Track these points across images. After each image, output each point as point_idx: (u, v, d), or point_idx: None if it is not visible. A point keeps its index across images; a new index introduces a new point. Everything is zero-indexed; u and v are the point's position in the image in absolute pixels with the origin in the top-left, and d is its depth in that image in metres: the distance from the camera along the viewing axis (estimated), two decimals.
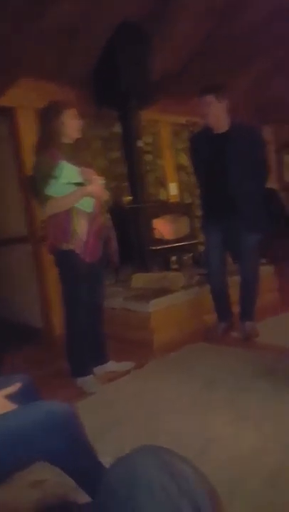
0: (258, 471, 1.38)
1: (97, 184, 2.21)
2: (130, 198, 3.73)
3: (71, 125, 2.21)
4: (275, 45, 3.81)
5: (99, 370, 2.40)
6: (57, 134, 2.18)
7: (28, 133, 3.03)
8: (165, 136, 4.48)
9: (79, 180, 2.16)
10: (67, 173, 2.12)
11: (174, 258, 3.62)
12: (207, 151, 2.65)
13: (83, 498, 1.15)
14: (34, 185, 2.20)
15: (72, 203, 2.15)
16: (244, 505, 1.24)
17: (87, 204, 2.20)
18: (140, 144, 3.70)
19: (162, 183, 4.43)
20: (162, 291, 2.97)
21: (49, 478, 1.33)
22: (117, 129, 3.84)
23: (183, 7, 3.20)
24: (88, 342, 2.31)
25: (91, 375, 2.28)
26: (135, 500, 0.59)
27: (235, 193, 2.56)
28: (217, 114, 2.54)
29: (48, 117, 2.19)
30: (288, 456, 1.44)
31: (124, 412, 1.94)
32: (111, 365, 2.43)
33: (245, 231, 2.65)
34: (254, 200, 2.65)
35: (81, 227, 2.19)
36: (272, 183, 5.78)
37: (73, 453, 1.07)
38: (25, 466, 1.16)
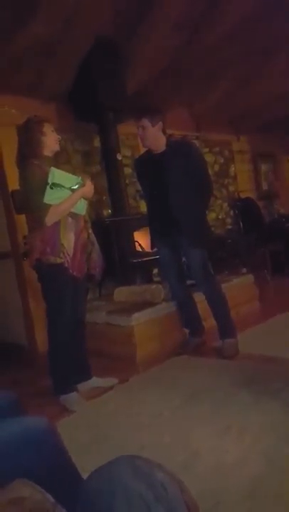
0: (239, 483, 1.41)
1: (89, 185, 2.26)
2: (110, 211, 3.76)
3: (52, 137, 2.25)
4: (245, 57, 3.92)
5: (83, 386, 2.40)
6: (39, 145, 2.21)
7: (9, 149, 3.03)
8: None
9: (71, 185, 2.18)
10: (60, 177, 2.14)
11: (155, 270, 3.65)
12: (149, 173, 2.74)
13: None
14: (27, 197, 2.20)
15: (72, 207, 2.19)
16: None
17: (80, 207, 2.24)
18: (119, 157, 3.74)
19: (142, 196, 4.48)
20: (144, 305, 2.99)
21: (28, 495, 1.33)
22: (97, 143, 3.89)
23: (153, 24, 3.28)
24: (72, 358, 2.31)
25: (74, 393, 2.28)
26: (113, 510, 0.60)
27: (177, 210, 2.61)
28: (152, 137, 2.62)
29: (30, 129, 2.22)
30: (268, 467, 1.48)
31: (107, 428, 1.95)
32: (95, 381, 2.44)
33: (188, 247, 2.70)
34: (195, 216, 2.71)
35: (68, 241, 2.20)
36: (250, 193, 5.93)
37: (51, 468, 1.07)
38: (2, 483, 1.16)
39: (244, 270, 4.19)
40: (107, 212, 3.86)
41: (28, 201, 2.22)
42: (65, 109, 3.63)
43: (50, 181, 2.11)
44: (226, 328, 2.74)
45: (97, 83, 3.41)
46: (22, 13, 2.72)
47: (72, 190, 2.19)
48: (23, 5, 2.68)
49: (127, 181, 3.91)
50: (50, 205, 2.13)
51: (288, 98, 4.86)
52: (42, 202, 2.12)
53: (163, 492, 0.64)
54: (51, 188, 2.11)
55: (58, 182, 2.13)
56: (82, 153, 3.93)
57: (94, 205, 3.83)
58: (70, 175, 2.23)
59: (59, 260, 2.18)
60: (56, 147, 2.29)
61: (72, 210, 2.21)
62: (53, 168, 2.13)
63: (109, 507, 0.61)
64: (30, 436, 1.03)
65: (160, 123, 2.62)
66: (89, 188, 2.25)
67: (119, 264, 3.50)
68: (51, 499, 1.14)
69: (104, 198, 3.87)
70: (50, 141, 2.24)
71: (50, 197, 2.13)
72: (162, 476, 0.68)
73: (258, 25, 3.46)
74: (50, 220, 2.14)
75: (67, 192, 2.17)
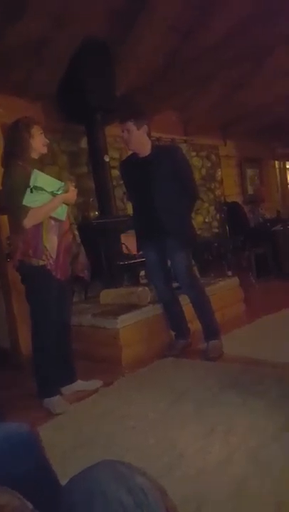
0: (224, 483, 1.40)
1: (72, 191, 2.23)
2: (97, 213, 3.74)
3: (40, 140, 2.23)
4: (236, 63, 3.97)
5: (67, 389, 2.36)
6: (26, 147, 2.18)
7: None
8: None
9: (53, 189, 2.15)
10: (42, 181, 2.11)
11: (142, 273, 3.64)
12: (134, 175, 2.73)
13: None
14: (8, 198, 2.16)
15: (52, 211, 2.15)
16: None
17: (61, 212, 2.21)
18: (107, 158, 3.73)
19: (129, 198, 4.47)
20: (130, 307, 2.97)
21: (6, 502, 1.31)
22: (85, 144, 3.87)
23: (146, 25, 3.30)
24: (56, 361, 2.28)
25: (58, 396, 2.24)
26: None
27: (162, 212, 2.61)
28: (137, 140, 2.61)
29: (19, 130, 2.19)
30: (253, 467, 1.48)
31: (92, 431, 1.92)
32: (79, 385, 2.40)
33: (173, 249, 2.70)
34: (181, 218, 2.72)
35: (51, 244, 2.17)
36: (236, 197, 5.99)
37: (32, 474, 1.06)
38: None
39: (230, 273, 4.22)
40: (94, 214, 3.83)
41: (8, 202, 2.18)
42: (52, 109, 3.61)
43: (31, 184, 2.07)
44: (210, 329, 2.76)
45: (85, 83, 3.39)
46: (11, 11, 2.70)
47: (54, 195, 2.15)
48: (11, 3, 2.65)
49: (114, 183, 3.90)
50: (29, 208, 2.09)
51: (275, 105, 4.94)
52: (22, 203, 2.08)
53: (143, 497, 0.63)
54: (32, 191, 2.08)
55: (39, 185, 2.09)
56: (68, 154, 3.90)
57: (81, 206, 3.81)
58: (53, 179, 2.20)
59: (41, 262, 2.15)
60: (43, 150, 2.27)
61: (53, 215, 2.17)
62: (35, 171, 2.09)
63: (89, 511, 0.60)
64: (11, 443, 1.00)
65: (145, 126, 2.61)
66: (72, 194, 2.22)
67: (106, 267, 3.47)
68: (30, 506, 1.12)
69: (91, 199, 3.85)
70: (38, 143, 2.22)
71: (30, 199, 2.09)
72: (143, 481, 0.67)
73: (247, 33, 3.50)
74: (28, 222, 2.11)
75: (49, 196, 2.14)
